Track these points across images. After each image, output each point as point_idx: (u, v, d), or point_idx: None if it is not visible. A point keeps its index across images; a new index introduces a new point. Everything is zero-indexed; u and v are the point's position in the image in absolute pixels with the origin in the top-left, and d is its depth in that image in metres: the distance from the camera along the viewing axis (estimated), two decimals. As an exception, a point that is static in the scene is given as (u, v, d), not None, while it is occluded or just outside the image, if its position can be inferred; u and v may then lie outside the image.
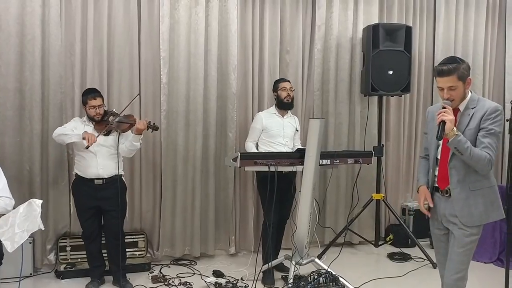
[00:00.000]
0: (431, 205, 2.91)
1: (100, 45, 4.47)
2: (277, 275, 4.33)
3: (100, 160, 3.90)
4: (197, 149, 4.75)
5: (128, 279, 4.10)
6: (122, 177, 4.08)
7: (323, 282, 3.90)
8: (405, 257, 4.96)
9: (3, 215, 3.06)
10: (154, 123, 4.01)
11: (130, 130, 3.97)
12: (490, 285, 4.22)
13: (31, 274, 4.25)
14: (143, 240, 4.70)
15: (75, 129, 3.92)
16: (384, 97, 5.31)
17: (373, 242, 5.32)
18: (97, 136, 3.80)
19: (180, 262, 4.73)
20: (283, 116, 4.42)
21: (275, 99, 4.46)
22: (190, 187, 4.76)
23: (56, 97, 4.34)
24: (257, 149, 4.38)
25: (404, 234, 5.23)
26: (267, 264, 4.14)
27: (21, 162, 4.26)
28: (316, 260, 4.15)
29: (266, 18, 4.98)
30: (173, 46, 4.66)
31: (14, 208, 3.20)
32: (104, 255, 4.14)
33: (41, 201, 2.93)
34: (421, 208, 2.99)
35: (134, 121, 3.94)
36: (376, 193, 5.22)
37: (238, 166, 3.84)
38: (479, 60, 5.77)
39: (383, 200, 5.25)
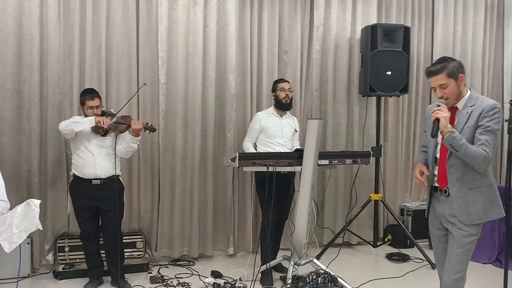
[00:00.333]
0: (427, 173, 2.91)
1: (99, 46, 4.47)
2: (276, 275, 4.33)
3: (98, 161, 3.89)
4: (196, 149, 4.75)
5: (126, 279, 4.10)
6: (120, 178, 4.07)
7: (321, 282, 3.90)
8: (404, 258, 4.96)
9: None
10: (151, 125, 4.00)
11: (127, 131, 3.96)
12: (489, 286, 4.22)
13: (29, 274, 4.25)
14: (141, 241, 4.70)
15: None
16: (383, 98, 5.32)
17: (372, 243, 5.33)
18: (112, 119, 3.85)
19: (178, 263, 4.73)
20: (281, 117, 4.42)
21: (273, 99, 4.46)
22: (188, 188, 4.76)
23: (55, 97, 4.34)
24: (255, 149, 4.38)
25: (402, 234, 5.23)
26: (265, 265, 4.14)
27: (19, 163, 4.25)
28: (315, 260, 4.15)
29: (264, 18, 4.98)
30: (171, 46, 4.66)
31: (11, 209, 3.20)
32: (102, 255, 4.14)
33: (39, 201, 2.92)
34: (416, 177, 2.95)
35: (131, 121, 3.93)
36: (375, 193, 5.23)
37: (237, 166, 3.83)
38: (478, 60, 5.78)
39: (381, 200, 5.25)
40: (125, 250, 4.27)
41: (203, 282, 4.21)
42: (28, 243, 4.21)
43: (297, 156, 3.96)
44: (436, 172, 2.89)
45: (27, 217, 2.87)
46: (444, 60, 2.78)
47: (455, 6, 5.65)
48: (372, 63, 4.97)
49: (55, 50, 4.31)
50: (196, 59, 4.71)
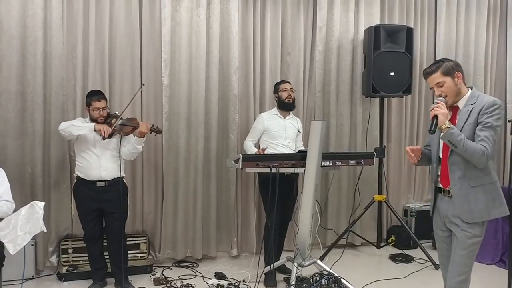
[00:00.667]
0: (418, 147, 2.95)
1: (102, 48, 4.48)
2: (279, 277, 4.33)
3: (103, 163, 3.89)
4: (199, 151, 4.75)
5: (130, 281, 4.10)
6: (124, 179, 4.08)
7: (325, 283, 3.90)
8: (407, 259, 4.96)
9: (2, 219, 3.07)
10: (157, 127, 4.01)
11: (132, 133, 3.96)
12: (493, 287, 4.21)
13: (33, 276, 4.26)
14: (145, 242, 4.70)
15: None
16: (386, 99, 5.31)
17: (375, 244, 5.32)
18: (114, 126, 3.83)
19: (182, 264, 4.73)
20: (285, 118, 4.42)
21: (276, 100, 4.47)
22: (191, 189, 4.76)
23: (58, 99, 4.35)
24: (257, 149, 4.39)
25: (406, 235, 5.23)
26: (269, 266, 4.14)
27: (23, 165, 4.26)
28: (318, 261, 4.15)
29: (267, 20, 4.99)
30: (175, 48, 4.66)
31: (15, 210, 3.21)
32: (106, 257, 4.14)
33: (43, 203, 2.93)
34: (408, 148, 2.95)
35: (137, 124, 3.94)
36: (378, 194, 5.22)
37: (240, 167, 3.83)
38: (480, 61, 5.77)
39: (385, 201, 5.24)
40: (128, 252, 4.26)
41: (207, 283, 4.21)
42: (32, 245, 4.22)
43: (300, 157, 3.96)
44: (439, 173, 2.89)
45: (31, 219, 2.88)
46: (439, 61, 2.85)
47: (457, 7, 5.65)
48: (375, 64, 4.97)
49: (59, 52, 4.33)
50: (199, 61, 4.71)
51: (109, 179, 3.91)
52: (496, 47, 5.91)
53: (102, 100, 3.92)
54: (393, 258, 5.00)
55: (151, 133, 3.96)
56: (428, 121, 3.08)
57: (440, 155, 2.88)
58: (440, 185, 2.89)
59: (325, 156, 4.02)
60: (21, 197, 4.06)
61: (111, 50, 4.53)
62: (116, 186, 3.92)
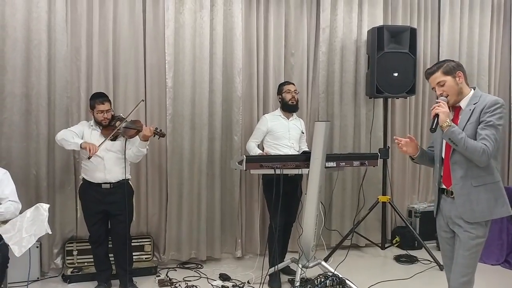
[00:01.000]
0: (397, 140, 2.95)
1: (106, 50, 4.50)
2: (284, 278, 4.33)
3: (108, 165, 3.90)
4: (203, 152, 4.76)
5: (135, 283, 4.11)
6: (129, 181, 4.08)
7: (330, 285, 3.89)
8: (412, 260, 4.95)
9: (9, 220, 3.08)
10: (161, 130, 3.99)
11: (137, 136, 3.97)
12: None
13: (38, 278, 4.26)
14: (150, 244, 4.71)
15: (81, 133, 3.92)
16: (390, 99, 5.31)
17: (380, 245, 5.31)
18: (102, 142, 3.80)
19: (186, 266, 4.73)
20: (288, 119, 4.42)
21: (279, 101, 4.47)
22: (196, 191, 4.77)
23: (62, 101, 4.37)
24: (261, 150, 4.39)
25: (410, 236, 5.22)
26: (273, 267, 4.14)
27: (28, 167, 4.28)
28: (323, 263, 4.15)
29: (271, 21, 4.99)
30: (178, 50, 4.68)
31: (21, 212, 3.23)
32: (111, 258, 4.15)
33: (48, 206, 2.95)
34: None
35: (141, 127, 3.94)
36: (382, 195, 5.21)
37: (244, 169, 3.83)
38: (484, 61, 5.76)
39: (389, 202, 5.23)
40: (133, 253, 4.28)
41: (211, 285, 4.22)
42: (37, 247, 4.23)
43: (304, 158, 3.96)
44: (442, 173, 2.89)
45: (36, 221, 2.90)
46: (441, 61, 2.88)
47: (461, 7, 5.64)
48: (378, 65, 4.97)
49: (63, 55, 4.34)
50: (203, 63, 4.72)
51: (114, 181, 3.92)
52: (500, 47, 5.90)
53: (106, 103, 3.92)
54: (398, 259, 5.00)
55: (154, 136, 3.95)
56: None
57: (443, 155, 2.88)
58: (443, 186, 2.88)
59: (329, 157, 4.02)
60: (26, 199, 4.07)
61: (115, 52, 4.54)
62: (122, 188, 3.92)
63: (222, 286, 4.16)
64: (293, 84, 4.50)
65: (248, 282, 4.26)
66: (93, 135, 3.93)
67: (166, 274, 4.48)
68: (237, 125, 4.87)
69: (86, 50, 4.46)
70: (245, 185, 5.02)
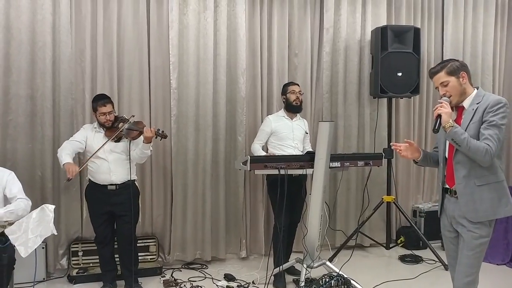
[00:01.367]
0: (395, 146, 2.98)
1: (110, 51, 4.51)
2: (289, 278, 4.33)
3: (112, 167, 3.91)
4: (207, 153, 4.77)
5: (140, 283, 4.12)
6: (135, 182, 4.09)
7: (334, 285, 3.89)
8: (417, 259, 4.94)
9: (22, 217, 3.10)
10: (162, 131, 3.98)
11: (140, 137, 3.97)
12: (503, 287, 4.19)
13: (44, 279, 4.29)
14: (154, 244, 4.72)
15: (84, 138, 3.95)
16: (394, 99, 5.30)
17: (384, 245, 5.30)
18: (83, 165, 3.87)
19: (191, 266, 4.74)
20: (292, 119, 4.42)
21: (283, 102, 4.47)
22: (200, 191, 4.78)
23: (67, 103, 4.39)
24: (266, 151, 4.39)
25: (415, 236, 5.21)
26: (278, 268, 4.14)
27: (33, 168, 4.30)
28: (328, 263, 4.15)
29: (274, 21, 5.00)
30: (182, 51, 4.69)
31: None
32: (116, 259, 4.16)
33: (53, 207, 2.95)
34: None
35: (143, 128, 3.93)
36: (387, 195, 5.21)
37: (248, 169, 3.84)
38: (489, 60, 5.74)
39: (393, 202, 5.23)
40: (138, 254, 4.29)
41: (216, 285, 4.23)
42: (43, 248, 4.26)
43: (308, 158, 3.97)
44: (445, 173, 2.89)
45: (42, 222, 2.90)
46: (444, 61, 2.87)
47: (465, 7, 5.62)
48: (382, 65, 4.96)
49: (67, 57, 4.36)
50: (207, 63, 4.73)
51: (119, 182, 3.93)
52: (504, 46, 5.88)
53: (108, 105, 3.92)
54: (403, 259, 4.99)
55: (156, 137, 3.94)
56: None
57: (446, 155, 2.88)
58: (447, 186, 2.88)
59: (334, 157, 4.02)
60: (32, 200, 4.01)
61: (119, 53, 4.56)
62: (127, 189, 3.93)
63: (227, 286, 4.17)
64: (298, 84, 4.51)
65: (253, 282, 4.27)
66: (97, 137, 3.95)
67: (171, 275, 4.49)
68: (241, 126, 4.87)
69: (90, 51, 4.47)
70: (250, 185, 5.02)
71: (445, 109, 2.69)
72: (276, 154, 4.26)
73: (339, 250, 4.99)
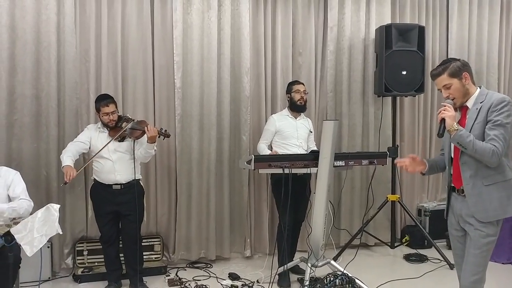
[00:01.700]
0: (399, 163, 3.01)
1: (114, 51, 4.52)
2: (293, 277, 4.33)
3: (117, 166, 3.92)
4: (211, 152, 4.77)
5: (145, 282, 4.14)
6: (140, 181, 4.10)
7: (339, 284, 3.89)
8: (422, 258, 4.93)
9: (22, 217, 3.12)
10: (165, 130, 3.99)
11: (144, 136, 3.96)
12: (508, 287, 4.17)
13: (49, 278, 4.30)
14: (159, 244, 4.73)
15: (88, 139, 3.97)
16: (398, 98, 5.28)
17: (389, 244, 5.30)
18: (84, 165, 3.90)
19: (196, 265, 4.75)
20: (296, 118, 4.42)
21: (288, 101, 4.47)
22: (205, 190, 4.79)
23: (72, 103, 4.40)
24: (271, 150, 4.39)
25: (420, 235, 5.20)
26: (282, 267, 4.14)
27: (38, 168, 4.32)
28: (332, 262, 4.15)
29: (278, 20, 4.99)
30: (187, 50, 4.69)
31: (32, 212, 3.26)
32: (121, 258, 4.17)
33: (58, 206, 2.96)
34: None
35: (146, 127, 3.93)
36: (392, 194, 5.20)
37: (253, 168, 3.84)
38: (494, 58, 5.71)
39: (398, 201, 5.21)
40: (143, 253, 4.30)
41: (221, 284, 4.23)
42: (48, 247, 4.27)
43: (313, 157, 3.96)
44: (451, 172, 2.87)
45: (47, 221, 2.92)
46: (446, 62, 2.83)
47: (470, 4, 5.60)
48: (387, 63, 4.95)
49: (72, 56, 4.37)
50: (211, 63, 4.73)
51: (124, 182, 3.94)
52: (510, 44, 5.85)
53: (111, 105, 3.93)
54: (407, 258, 4.98)
55: (159, 137, 3.95)
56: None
57: (452, 155, 2.86)
58: (453, 185, 2.87)
59: (338, 156, 4.01)
60: (37, 199, 4.09)
61: (124, 53, 4.56)
62: (132, 189, 3.94)
63: (231, 285, 4.17)
64: (303, 84, 4.50)
65: (257, 281, 4.27)
66: (101, 137, 3.96)
67: (176, 274, 4.50)
68: (245, 125, 4.88)
69: (95, 51, 4.49)
70: (254, 184, 5.03)
71: (448, 113, 2.67)
72: (280, 153, 4.26)
73: (343, 249, 4.99)
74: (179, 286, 4.20)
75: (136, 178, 4.00)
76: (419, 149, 5.59)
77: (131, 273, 4.08)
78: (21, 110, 4.25)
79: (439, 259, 4.82)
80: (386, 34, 4.96)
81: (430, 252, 5.02)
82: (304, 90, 4.41)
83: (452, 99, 2.76)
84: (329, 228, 4.31)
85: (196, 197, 4.76)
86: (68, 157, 3.82)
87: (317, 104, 5.23)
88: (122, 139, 3.95)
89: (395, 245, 5.31)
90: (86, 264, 4.48)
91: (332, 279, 3.91)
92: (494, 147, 2.61)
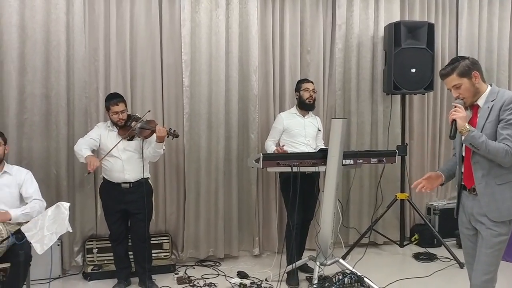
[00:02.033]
0: (418, 188, 3.00)
1: (123, 50, 4.54)
2: (302, 276, 4.32)
3: (126, 165, 3.94)
4: (220, 150, 4.78)
5: (154, 280, 4.15)
6: (149, 180, 4.12)
7: (348, 282, 3.89)
8: (431, 257, 4.90)
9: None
10: (174, 130, 3.99)
11: (153, 135, 3.97)
12: (520, 285, 4.15)
13: (59, 275, 4.35)
14: (168, 242, 4.74)
15: (98, 136, 3.98)
16: (407, 96, 5.26)
17: (398, 242, 5.27)
18: (105, 155, 3.88)
19: (204, 263, 4.77)
20: (304, 116, 4.41)
21: (296, 99, 4.46)
22: (213, 189, 4.79)
23: (81, 101, 4.43)
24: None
25: (429, 234, 5.17)
26: (291, 265, 4.14)
27: (48, 166, 4.35)
28: (341, 260, 4.14)
29: (286, 18, 4.98)
30: (195, 49, 4.70)
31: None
32: (130, 257, 4.20)
33: (68, 204, 2.98)
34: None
35: (155, 127, 3.92)
36: (401, 192, 5.18)
37: (261, 167, 3.84)
38: (504, 55, 5.66)
39: (407, 199, 5.19)
40: (152, 252, 4.32)
41: (229, 282, 4.24)
42: (58, 245, 4.30)
43: (321, 156, 3.96)
44: (462, 170, 2.85)
45: (57, 219, 2.94)
46: (455, 60, 2.78)
47: (480, 1, 5.55)
48: (396, 61, 4.92)
49: (81, 56, 4.40)
50: (219, 61, 4.74)
51: (133, 180, 3.96)
52: (521, 41, 5.79)
53: (120, 104, 3.94)
54: (417, 256, 4.95)
55: (168, 137, 3.95)
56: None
57: (463, 154, 2.84)
58: (463, 183, 2.85)
59: (346, 155, 4.00)
60: (47, 198, 4.10)
61: (132, 52, 4.58)
62: (141, 187, 3.95)
63: (240, 283, 4.18)
64: (312, 82, 4.49)
65: (266, 279, 4.27)
66: (110, 136, 3.98)
67: (185, 272, 4.51)
68: (253, 123, 4.87)
69: (103, 50, 4.51)
70: (262, 183, 5.02)
71: (459, 114, 2.64)
72: (288, 151, 4.25)
73: (352, 248, 4.97)
74: (188, 284, 4.22)
75: (145, 176, 4.01)
76: (428, 148, 5.56)
77: (140, 271, 4.10)
78: (31, 109, 4.28)
79: (448, 258, 4.79)
80: (395, 31, 4.93)
81: (439, 251, 5.00)
82: (313, 89, 4.40)
83: (462, 99, 2.73)
84: (338, 227, 4.30)
85: (204, 195, 4.77)
86: (86, 149, 3.86)
87: (326, 102, 5.21)
88: (131, 138, 3.96)
89: (404, 243, 5.28)
90: (96, 262, 4.51)
91: (340, 277, 3.91)
92: (507, 146, 2.58)
